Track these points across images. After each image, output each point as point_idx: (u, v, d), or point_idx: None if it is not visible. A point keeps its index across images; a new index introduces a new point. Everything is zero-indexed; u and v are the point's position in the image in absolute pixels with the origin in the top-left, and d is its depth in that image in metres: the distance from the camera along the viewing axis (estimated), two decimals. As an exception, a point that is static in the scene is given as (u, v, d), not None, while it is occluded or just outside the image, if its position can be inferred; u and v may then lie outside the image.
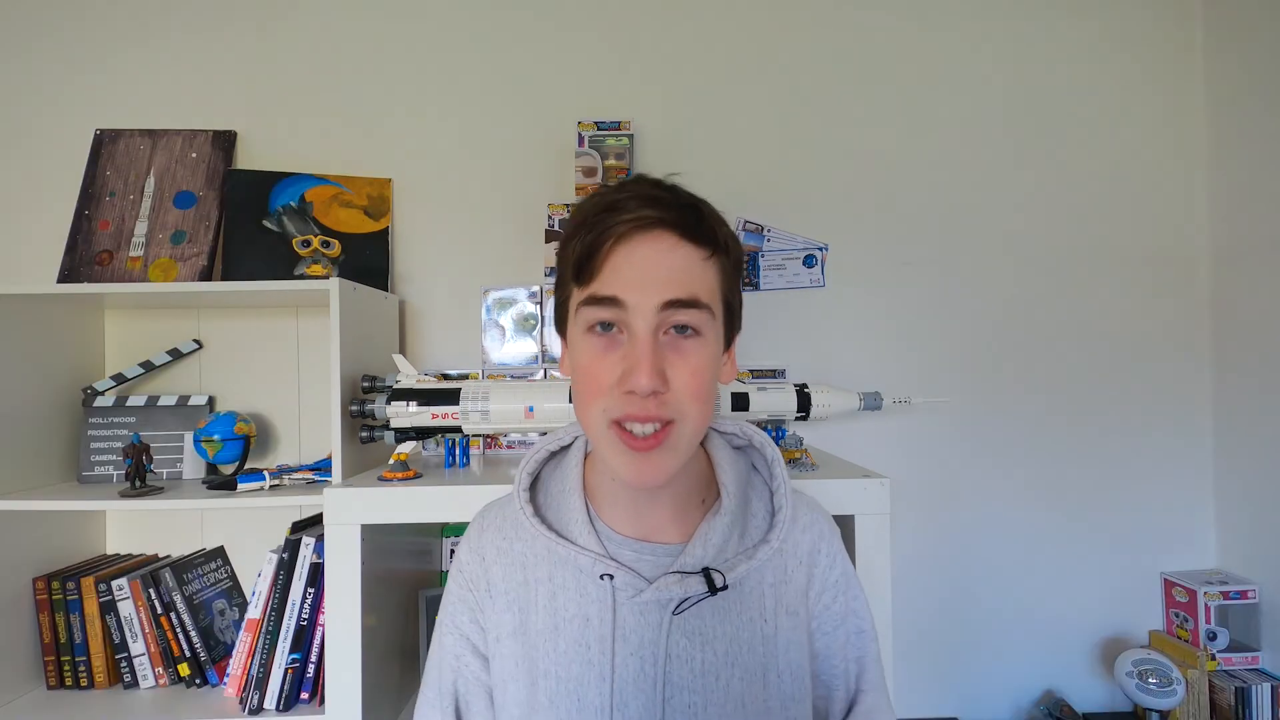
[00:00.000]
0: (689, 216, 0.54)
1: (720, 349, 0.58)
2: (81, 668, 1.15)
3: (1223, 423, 1.38)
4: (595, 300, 0.53)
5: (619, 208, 0.53)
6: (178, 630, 1.15)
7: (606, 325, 0.54)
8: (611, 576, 0.57)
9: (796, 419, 1.08)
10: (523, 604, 0.61)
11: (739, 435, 0.67)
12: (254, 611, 1.07)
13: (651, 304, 0.52)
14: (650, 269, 0.52)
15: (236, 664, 1.09)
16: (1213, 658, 1.26)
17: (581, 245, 0.54)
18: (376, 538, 0.94)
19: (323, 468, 1.15)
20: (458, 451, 1.08)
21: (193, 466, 1.26)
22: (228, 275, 1.29)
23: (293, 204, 1.33)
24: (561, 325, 0.61)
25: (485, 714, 0.62)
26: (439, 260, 1.39)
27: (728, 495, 0.61)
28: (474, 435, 1.07)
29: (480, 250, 1.38)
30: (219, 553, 1.31)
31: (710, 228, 0.55)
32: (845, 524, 0.88)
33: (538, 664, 0.58)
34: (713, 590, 0.57)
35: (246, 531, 1.32)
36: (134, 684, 1.15)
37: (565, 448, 0.66)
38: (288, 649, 1.05)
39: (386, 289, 1.35)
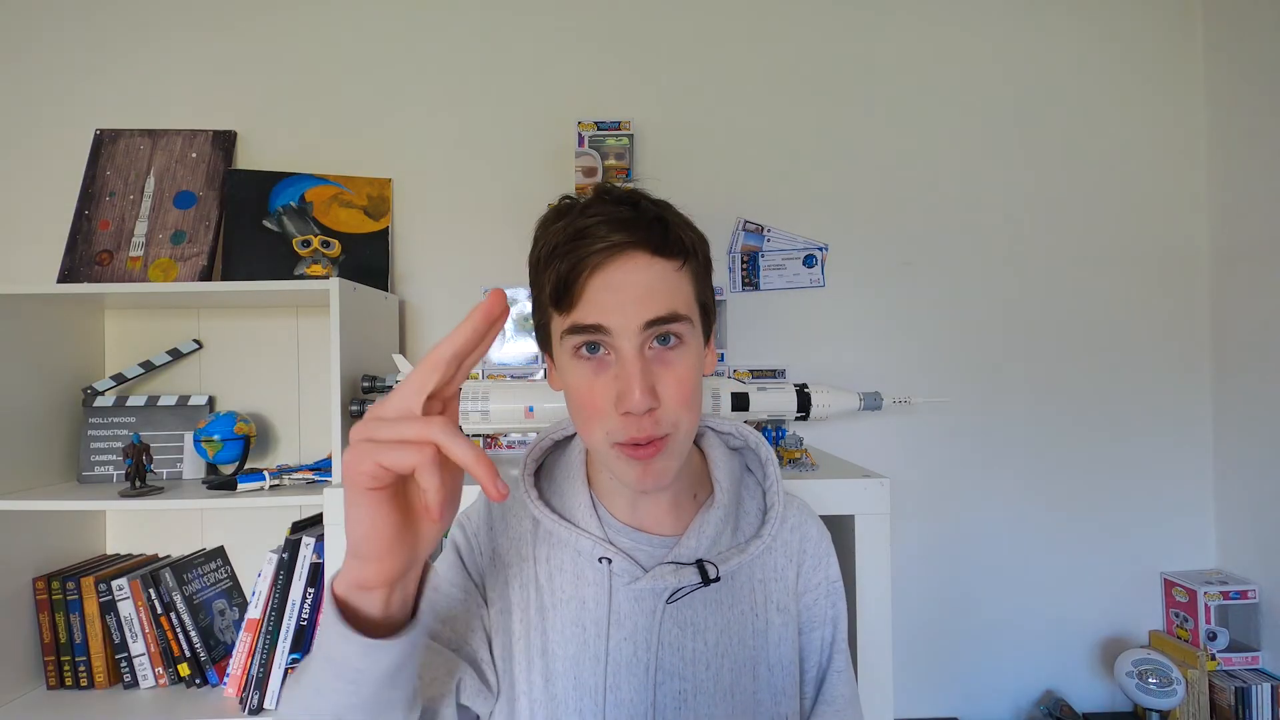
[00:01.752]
0: (657, 232, 0.55)
1: (701, 351, 0.59)
2: (81, 668, 1.15)
3: (1223, 423, 1.38)
4: (579, 329, 0.55)
5: (589, 234, 0.54)
6: (178, 630, 1.15)
7: (593, 347, 0.55)
8: (610, 561, 0.60)
9: (796, 419, 1.08)
10: (522, 580, 0.63)
11: (735, 436, 0.69)
12: (254, 611, 1.07)
13: (634, 325, 0.53)
14: (628, 291, 0.54)
15: (236, 664, 1.09)
16: (1213, 658, 1.26)
17: (557, 275, 0.55)
18: (376, 538, 0.94)
19: (323, 468, 1.15)
20: (458, 451, 1.08)
21: (193, 466, 1.26)
22: (228, 275, 1.29)
23: (293, 204, 1.33)
24: (545, 345, 0.62)
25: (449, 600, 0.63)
26: (439, 260, 1.39)
27: (721, 490, 0.63)
28: (474, 435, 1.07)
29: (480, 250, 1.38)
30: (219, 553, 1.31)
31: (678, 237, 0.56)
32: (845, 524, 0.88)
33: (534, 642, 0.60)
34: (706, 581, 0.59)
35: (246, 531, 1.32)
36: (134, 684, 1.15)
37: (569, 437, 0.69)
38: (288, 649, 1.05)
39: (386, 289, 1.35)
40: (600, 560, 0.60)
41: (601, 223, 0.54)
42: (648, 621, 0.59)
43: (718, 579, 0.59)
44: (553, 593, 0.61)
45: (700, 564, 0.59)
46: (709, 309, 0.61)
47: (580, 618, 0.60)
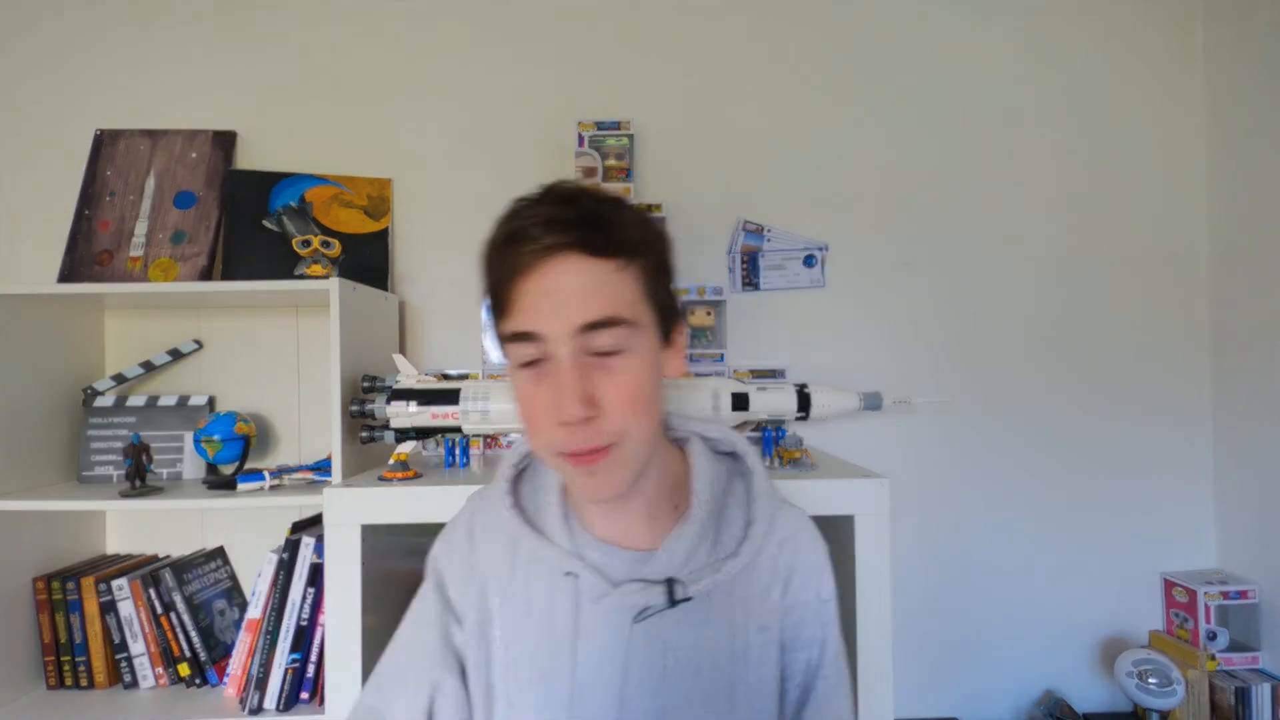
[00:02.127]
0: (593, 233, 0.51)
1: (654, 354, 0.56)
2: (81, 668, 1.15)
3: (1223, 423, 1.38)
4: (514, 337, 0.53)
5: (521, 236, 0.52)
6: (178, 630, 1.15)
7: (534, 360, 0.53)
8: (576, 576, 0.58)
9: (796, 419, 1.08)
10: (503, 590, 0.62)
11: (724, 442, 0.66)
12: (254, 611, 1.07)
13: (567, 330, 0.51)
14: (560, 296, 0.51)
15: (236, 664, 1.09)
16: (1213, 658, 1.26)
17: (489, 282, 0.54)
18: (376, 538, 0.94)
19: (323, 468, 1.15)
20: (458, 451, 1.08)
21: (193, 466, 1.26)
22: (228, 275, 1.29)
23: (293, 204, 1.33)
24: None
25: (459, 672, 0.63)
26: (439, 260, 1.39)
27: (698, 504, 0.60)
28: (474, 435, 1.07)
29: (480, 250, 1.38)
30: (219, 553, 1.31)
31: (618, 237, 0.52)
32: (845, 524, 0.88)
33: (509, 649, 0.60)
34: (673, 603, 0.56)
35: (246, 531, 1.32)
36: (134, 684, 1.15)
37: None
38: (288, 649, 1.05)
39: (386, 289, 1.35)
40: (566, 575, 0.58)
41: (535, 224, 0.52)
42: (616, 637, 0.57)
43: (687, 599, 0.56)
44: (528, 603, 0.60)
45: (670, 583, 0.56)
46: (669, 308, 0.58)
47: (551, 630, 0.59)
